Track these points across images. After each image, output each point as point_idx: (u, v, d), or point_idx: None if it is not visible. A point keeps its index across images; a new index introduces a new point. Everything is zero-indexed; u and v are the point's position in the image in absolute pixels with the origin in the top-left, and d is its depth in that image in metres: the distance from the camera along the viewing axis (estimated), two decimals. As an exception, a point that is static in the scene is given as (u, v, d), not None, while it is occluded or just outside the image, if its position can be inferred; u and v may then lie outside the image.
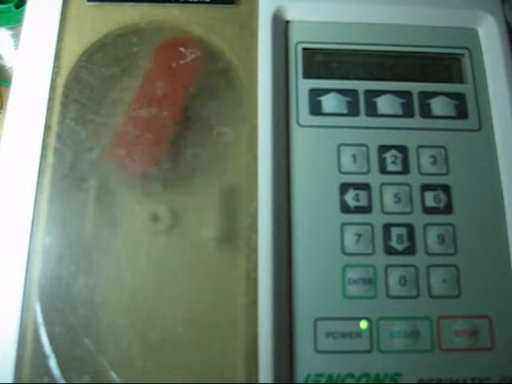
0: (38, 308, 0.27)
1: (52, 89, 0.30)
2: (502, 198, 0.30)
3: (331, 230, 0.29)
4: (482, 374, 0.28)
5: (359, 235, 0.29)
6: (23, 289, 0.27)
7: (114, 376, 0.26)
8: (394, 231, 0.29)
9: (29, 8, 0.32)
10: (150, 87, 0.31)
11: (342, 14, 0.33)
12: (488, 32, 0.33)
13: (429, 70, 0.33)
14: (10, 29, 0.40)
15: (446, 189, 0.30)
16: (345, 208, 0.29)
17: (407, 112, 0.31)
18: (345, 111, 0.31)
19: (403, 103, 0.31)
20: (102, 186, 0.29)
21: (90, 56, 0.31)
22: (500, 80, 0.32)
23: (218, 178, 0.30)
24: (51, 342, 0.26)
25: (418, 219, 0.30)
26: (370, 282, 0.28)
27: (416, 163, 0.30)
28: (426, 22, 0.33)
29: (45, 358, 0.26)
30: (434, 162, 0.31)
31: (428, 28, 0.33)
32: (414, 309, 0.28)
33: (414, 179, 0.30)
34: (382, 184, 0.30)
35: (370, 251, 0.29)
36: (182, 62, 0.31)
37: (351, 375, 0.27)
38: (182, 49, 0.32)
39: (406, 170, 0.30)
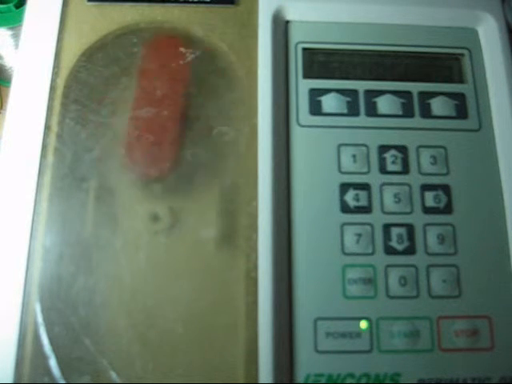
0: (37, 308, 0.27)
1: (52, 89, 0.30)
2: (502, 198, 0.30)
3: (331, 229, 0.29)
4: (482, 373, 0.28)
5: (359, 235, 0.29)
6: (23, 289, 0.27)
7: (114, 376, 0.26)
8: (394, 231, 0.29)
9: (29, 8, 0.32)
10: (149, 86, 0.31)
11: (342, 14, 0.33)
12: (488, 32, 0.33)
13: (429, 70, 0.33)
14: (10, 29, 0.40)
15: (446, 189, 0.30)
16: (345, 208, 0.29)
17: (407, 112, 0.31)
18: (345, 111, 0.31)
19: (403, 103, 0.31)
20: (101, 186, 0.29)
21: (90, 56, 0.31)
22: (500, 80, 0.32)
23: (218, 178, 0.30)
24: (51, 342, 0.26)
25: (418, 219, 0.30)
26: (370, 282, 0.28)
27: (416, 163, 0.30)
28: (425, 22, 0.33)
29: (45, 358, 0.26)
30: (434, 161, 0.31)
31: (428, 28, 0.33)
32: (414, 309, 0.28)
33: (414, 179, 0.30)
34: (382, 184, 0.30)
35: (369, 251, 0.29)
36: (181, 61, 0.31)
37: (351, 375, 0.27)
38: (181, 49, 0.31)
39: (405, 170, 0.30)
